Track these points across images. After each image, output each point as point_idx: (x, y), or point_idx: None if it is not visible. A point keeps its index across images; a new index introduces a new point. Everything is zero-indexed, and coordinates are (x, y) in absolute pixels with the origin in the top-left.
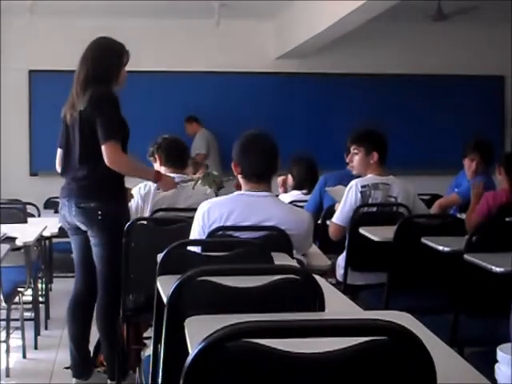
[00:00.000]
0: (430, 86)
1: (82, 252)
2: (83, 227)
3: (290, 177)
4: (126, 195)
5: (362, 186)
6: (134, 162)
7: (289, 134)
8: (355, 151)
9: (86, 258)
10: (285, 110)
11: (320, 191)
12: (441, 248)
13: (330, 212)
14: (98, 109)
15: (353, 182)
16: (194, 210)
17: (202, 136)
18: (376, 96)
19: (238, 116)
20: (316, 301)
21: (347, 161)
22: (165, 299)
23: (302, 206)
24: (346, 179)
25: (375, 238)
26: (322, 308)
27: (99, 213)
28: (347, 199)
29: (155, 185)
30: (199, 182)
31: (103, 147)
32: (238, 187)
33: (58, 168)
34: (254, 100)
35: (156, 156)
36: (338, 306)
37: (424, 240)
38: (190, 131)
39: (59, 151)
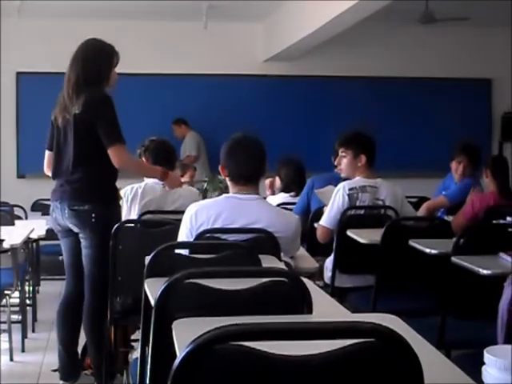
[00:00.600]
0: (418, 89)
1: (73, 255)
2: (76, 229)
3: (277, 179)
4: (118, 197)
5: (350, 189)
6: (141, 161)
7: (277, 136)
8: (343, 154)
9: (77, 261)
10: (273, 112)
11: (308, 194)
12: (428, 250)
13: (318, 215)
14: (98, 112)
15: (340, 185)
16: (182, 212)
17: (192, 138)
18: (364, 98)
19: (226, 118)
20: (304, 303)
21: (335, 163)
22: (152, 302)
23: (290, 209)
24: (334, 182)
25: (363, 241)
26: (309, 310)
27: (92, 215)
28: (335, 202)
29: (159, 183)
30: (205, 185)
31: (111, 150)
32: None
33: (47, 170)
34: (242, 102)
35: (143, 158)
36: (325, 308)
37: (411, 242)
38: (178, 134)
39: (47, 153)
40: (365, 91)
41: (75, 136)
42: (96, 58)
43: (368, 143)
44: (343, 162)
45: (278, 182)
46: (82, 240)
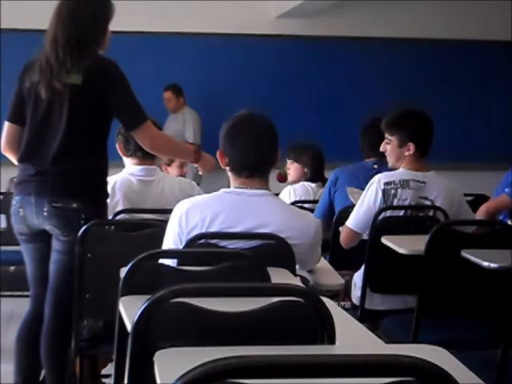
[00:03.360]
0: (470, 54)
1: (44, 265)
2: (55, 231)
3: (294, 167)
4: (107, 196)
5: (387, 183)
6: (172, 138)
7: (290, 114)
8: (387, 140)
9: (47, 272)
10: (286, 83)
11: (330, 191)
12: (486, 264)
13: (344, 217)
14: (112, 84)
15: (376, 177)
16: (169, 211)
17: (193, 119)
18: (403, 67)
19: (228, 91)
20: (324, 331)
21: (381, 149)
22: (129, 326)
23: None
24: (362, 174)
25: (401, 251)
26: (331, 340)
27: (82, 216)
28: (365, 199)
29: (135, 174)
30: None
31: (140, 130)
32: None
33: (4, 148)
34: (248, 70)
35: (117, 144)
36: (352, 337)
37: (464, 253)
38: (172, 106)
39: (8, 126)
40: (404, 57)
41: (70, 114)
42: (92, 12)
43: (420, 128)
44: (388, 148)
45: (295, 170)
46: (56, 243)
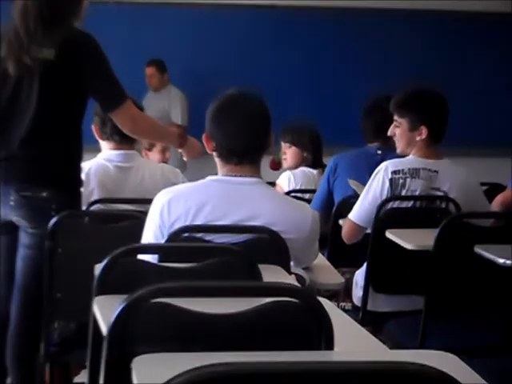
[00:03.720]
0: (493, 28)
1: (11, 260)
2: (22, 223)
3: (291, 151)
4: (82, 184)
5: (394, 172)
6: (154, 120)
7: (285, 94)
8: (397, 122)
9: (13, 269)
10: (280, 59)
11: (329, 179)
12: (502, 261)
13: (344, 209)
14: (89, 60)
15: (382, 165)
16: (149, 201)
17: (179, 99)
18: (413, 40)
19: (216, 68)
20: (321, 335)
21: (389, 133)
22: (104, 329)
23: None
24: (364, 161)
25: (408, 246)
26: (329, 345)
27: (53, 206)
28: (370, 188)
29: (112, 160)
30: None
31: (120, 111)
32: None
33: None
34: (239, 45)
35: (93, 126)
36: (352, 342)
37: (478, 249)
38: (155, 83)
39: None
40: (416, 29)
41: (41, 92)
42: None
43: (435, 110)
44: (397, 132)
45: (293, 155)
46: (24, 236)
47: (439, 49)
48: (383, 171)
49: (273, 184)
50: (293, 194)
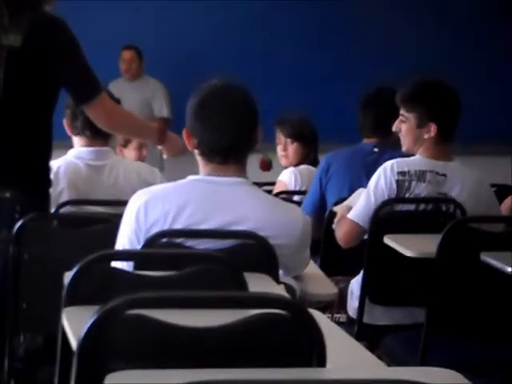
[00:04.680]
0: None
1: None
2: None
3: (295, 146)
4: (51, 184)
5: (400, 173)
6: (131, 113)
7: (272, 84)
8: (403, 117)
9: None
10: (267, 45)
11: (321, 180)
12: (510, 270)
13: (336, 212)
14: (58, 45)
15: (387, 164)
16: (124, 203)
17: (160, 88)
18: (419, 24)
19: (196, 57)
20: (313, 350)
21: (394, 129)
22: (74, 343)
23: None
24: (359, 160)
25: (408, 253)
26: (321, 362)
27: (17, 208)
28: (377, 187)
29: (83, 158)
30: None
31: (95, 103)
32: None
33: None
34: (221, 31)
35: (64, 120)
36: (347, 358)
37: (484, 257)
38: (135, 70)
39: None
40: (420, 11)
41: (6, 83)
42: None
43: (446, 105)
44: (403, 128)
45: (296, 151)
46: None
47: (445, 37)
48: (389, 171)
49: (267, 184)
50: (298, 196)
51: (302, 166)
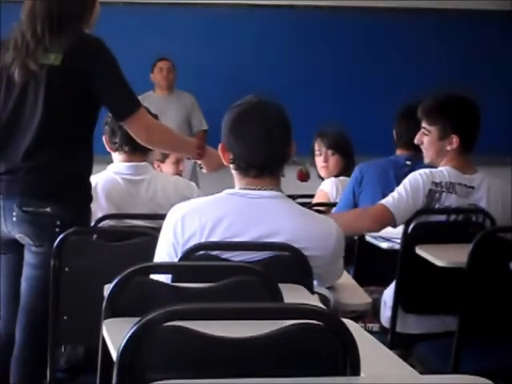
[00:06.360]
0: None
1: (16, 280)
2: (26, 241)
3: (336, 158)
4: (92, 199)
5: (434, 183)
6: (170, 129)
7: (306, 101)
8: (425, 130)
9: (18, 290)
10: (301, 63)
11: (354, 189)
12: None
13: None
14: (98, 64)
15: (422, 172)
16: (162, 217)
17: (194, 102)
18: (445, 43)
19: (230, 74)
20: (347, 359)
21: (416, 141)
22: (114, 354)
23: None
24: (393, 172)
25: (440, 263)
26: (355, 371)
27: (57, 222)
28: (413, 184)
29: (121, 173)
30: None
31: (133, 119)
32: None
33: None
34: (256, 48)
35: (103, 137)
36: (380, 367)
37: None
38: (170, 81)
39: None
40: (445, 31)
41: (47, 101)
42: None
43: (467, 117)
44: (425, 140)
45: (337, 163)
46: (28, 255)
47: (472, 52)
48: (426, 176)
49: (302, 196)
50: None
51: (342, 177)
